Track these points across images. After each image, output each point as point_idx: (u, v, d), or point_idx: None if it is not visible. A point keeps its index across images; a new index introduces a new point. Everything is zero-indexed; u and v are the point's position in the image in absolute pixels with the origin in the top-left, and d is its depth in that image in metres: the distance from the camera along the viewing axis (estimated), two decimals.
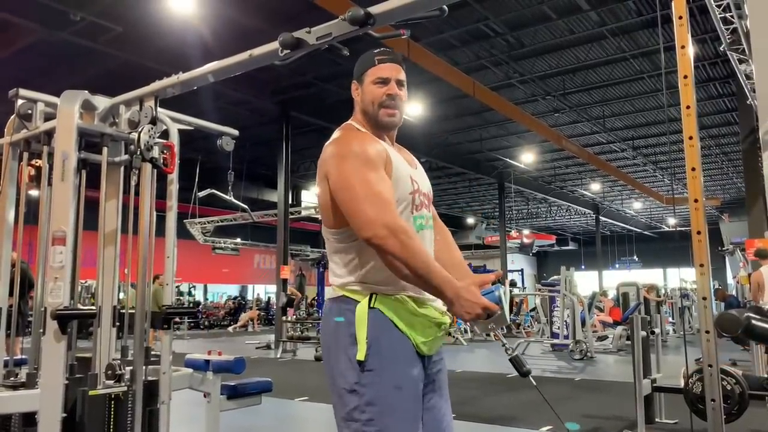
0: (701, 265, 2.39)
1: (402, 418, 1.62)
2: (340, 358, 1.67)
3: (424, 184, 1.87)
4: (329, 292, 1.80)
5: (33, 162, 2.80)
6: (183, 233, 17.93)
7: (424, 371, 1.73)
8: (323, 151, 1.78)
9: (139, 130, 2.52)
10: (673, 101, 12.42)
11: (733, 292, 13.78)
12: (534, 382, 1.69)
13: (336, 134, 1.82)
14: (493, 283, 1.67)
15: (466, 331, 14.60)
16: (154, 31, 9.80)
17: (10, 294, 2.88)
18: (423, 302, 1.72)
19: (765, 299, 6.39)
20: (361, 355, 1.62)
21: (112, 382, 2.45)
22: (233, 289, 28.65)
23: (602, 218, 28.63)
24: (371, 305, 1.67)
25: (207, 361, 3.21)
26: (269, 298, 24.29)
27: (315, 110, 14.11)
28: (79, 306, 2.50)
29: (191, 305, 21.48)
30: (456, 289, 1.56)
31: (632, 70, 12.63)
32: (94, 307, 2.52)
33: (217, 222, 19.20)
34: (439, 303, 1.77)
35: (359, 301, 1.68)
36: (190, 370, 3.10)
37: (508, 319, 1.65)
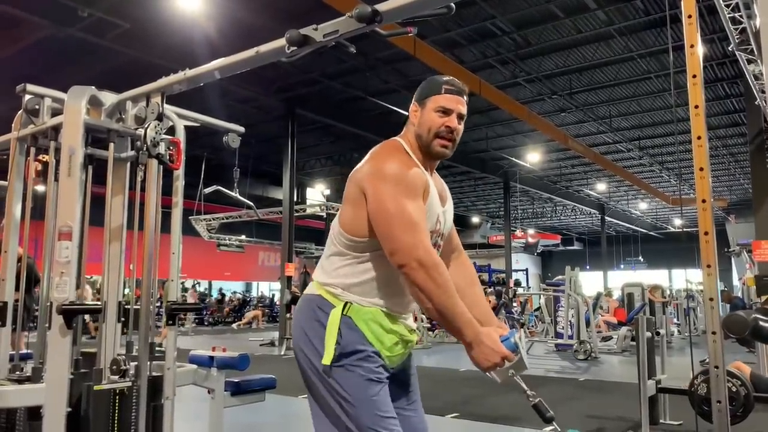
0: (708, 266, 2.38)
1: (375, 408, 1.64)
2: (310, 355, 1.71)
3: (448, 223, 1.89)
4: (309, 287, 1.82)
5: (40, 157, 2.81)
6: (188, 230, 17.98)
7: (389, 381, 1.75)
8: (364, 161, 1.77)
9: (146, 126, 2.53)
10: (681, 101, 12.38)
11: (739, 294, 13.72)
12: (559, 429, 1.68)
13: (379, 149, 1.79)
14: (511, 327, 1.65)
15: None
16: (162, 28, 9.83)
17: (16, 289, 2.89)
18: (395, 319, 1.76)
19: None
20: (327, 360, 1.66)
21: (117, 377, 2.46)
22: (238, 286, 28.73)
23: (608, 218, 28.55)
24: (344, 313, 1.70)
25: (211, 358, 3.21)
26: (273, 295, 24.35)
27: (321, 108, 14.13)
28: (85, 301, 2.50)
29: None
30: (477, 333, 1.58)
31: (639, 69, 12.58)
32: (99, 303, 2.53)
33: (223, 219, 19.23)
34: (409, 321, 1.82)
35: (334, 306, 1.71)
36: (195, 366, 3.11)
37: (527, 365, 1.62)
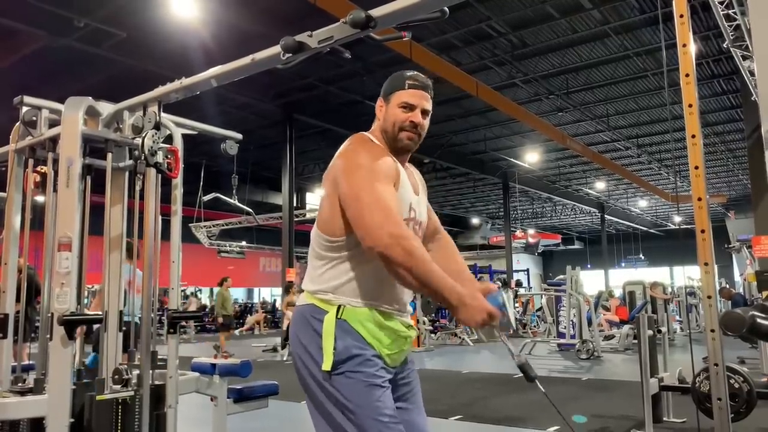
0: (706, 264, 2.38)
1: (377, 414, 1.63)
2: (308, 364, 1.71)
3: (422, 212, 1.89)
4: (300, 298, 1.82)
5: (38, 168, 2.82)
6: (189, 237, 17.99)
7: (390, 382, 1.74)
8: (334, 158, 1.78)
9: (143, 135, 2.54)
10: (677, 99, 12.40)
11: (741, 290, 13.70)
12: (542, 388, 1.68)
13: (347, 144, 1.81)
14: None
15: (472, 332, 14.59)
16: (158, 37, 9.85)
17: (17, 300, 2.90)
18: (390, 316, 1.75)
19: None
20: (327, 366, 1.65)
21: (119, 386, 2.47)
22: (240, 292, 28.73)
23: (608, 217, 28.55)
24: (338, 316, 1.69)
25: (213, 365, 3.22)
26: (275, 300, 24.35)
27: (318, 112, 14.15)
28: (86, 311, 2.51)
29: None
30: (460, 296, 1.57)
31: (635, 68, 12.60)
32: (100, 312, 2.54)
33: (222, 225, 19.25)
34: (406, 317, 1.82)
35: (327, 311, 1.71)
36: (197, 374, 3.12)
37: (514, 325, 1.63)
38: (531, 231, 28.00)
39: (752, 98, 10.12)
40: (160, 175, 2.67)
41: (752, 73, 9.04)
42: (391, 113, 1.81)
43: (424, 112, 1.82)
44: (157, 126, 2.57)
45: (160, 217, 2.72)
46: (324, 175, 1.80)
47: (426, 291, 1.62)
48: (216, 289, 28.05)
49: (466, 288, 1.62)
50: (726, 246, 16.12)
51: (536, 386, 1.65)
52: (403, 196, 1.77)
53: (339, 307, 1.70)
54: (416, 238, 1.63)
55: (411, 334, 1.82)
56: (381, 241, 1.56)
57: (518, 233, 25.57)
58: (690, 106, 2.51)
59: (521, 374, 1.66)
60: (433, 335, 13.70)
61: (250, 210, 15.51)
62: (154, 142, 2.55)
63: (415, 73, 1.84)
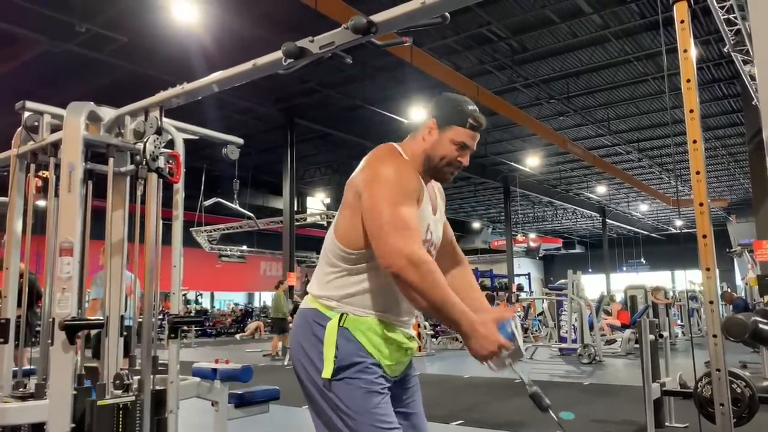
0: (708, 269, 2.38)
1: (376, 420, 1.63)
2: (309, 369, 1.71)
3: (437, 233, 1.88)
4: (304, 300, 1.81)
5: (40, 173, 2.82)
6: (189, 241, 17.97)
7: (390, 391, 1.74)
8: (360, 166, 1.75)
9: (145, 140, 2.54)
10: (677, 103, 12.41)
11: (743, 294, 13.69)
12: (555, 418, 1.64)
13: (375, 153, 1.76)
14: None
15: None
16: (159, 42, 9.88)
17: (18, 305, 2.89)
18: (393, 327, 1.74)
19: None
20: (327, 373, 1.65)
21: (120, 391, 2.46)
22: (240, 297, 28.76)
23: (609, 221, 28.55)
24: (341, 324, 1.69)
25: (214, 370, 3.21)
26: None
27: (319, 117, 14.18)
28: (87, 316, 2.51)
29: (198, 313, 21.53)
30: (472, 323, 1.56)
31: (636, 72, 12.62)
32: (101, 318, 2.54)
33: (223, 230, 19.25)
34: (408, 329, 1.81)
35: (330, 318, 1.70)
36: (198, 379, 3.11)
37: (524, 352, 1.61)
38: (532, 235, 27.99)
39: (753, 102, 10.13)
40: (161, 180, 2.67)
41: (753, 78, 9.04)
42: (443, 145, 1.79)
43: (470, 153, 1.85)
44: (159, 131, 2.57)
45: (161, 222, 2.72)
46: (347, 183, 1.76)
47: (438, 315, 1.60)
48: (216, 293, 28.14)
49: (478, 315, 1.59)
50: (728, 250, 16.11)
51: (550, 415, 1.61)
52: (423, 217, 1.75)
53: (342, 315, 1.70)
54: (432, 262, 1.60)
55: (412, 345, 1.80)
56: (398, 263, 1.54)
57: (519, 237, 25.58)
58: (691, 111, 2.51)
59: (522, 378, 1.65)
60: (434, 340, 13.68)
61: (251, 214, 15.51)
62: (155, 146, 2.55)
63: (477, 110, 1.83)
